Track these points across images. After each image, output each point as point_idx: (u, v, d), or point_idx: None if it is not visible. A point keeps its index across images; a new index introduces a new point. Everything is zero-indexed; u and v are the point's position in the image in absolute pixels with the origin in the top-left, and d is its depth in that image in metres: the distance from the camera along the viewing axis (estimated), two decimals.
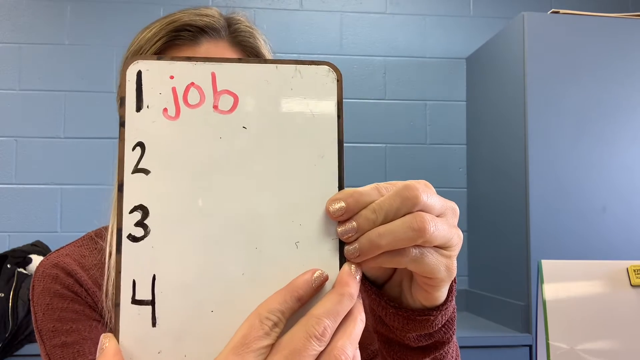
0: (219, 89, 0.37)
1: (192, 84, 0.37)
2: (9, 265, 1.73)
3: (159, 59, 0.37)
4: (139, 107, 0.37)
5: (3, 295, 1.62)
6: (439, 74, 2.32)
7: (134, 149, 0.36)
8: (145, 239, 0.36)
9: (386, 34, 2.31)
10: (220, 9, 0.69)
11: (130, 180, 0.36)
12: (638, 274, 1.74)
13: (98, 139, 2.15)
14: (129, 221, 0.36)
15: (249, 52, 0.67)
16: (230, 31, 0.66)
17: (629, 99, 1.83)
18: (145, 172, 0.36)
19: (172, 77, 0.37)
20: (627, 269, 1.74)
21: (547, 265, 1.73)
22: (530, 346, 1.73)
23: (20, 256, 1.80)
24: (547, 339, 1.68)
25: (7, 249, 1.88)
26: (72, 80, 2.16)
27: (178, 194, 0.36)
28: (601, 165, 1.80)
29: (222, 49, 0.64)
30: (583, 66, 1.82)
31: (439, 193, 0.40)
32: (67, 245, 0.74)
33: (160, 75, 0.37)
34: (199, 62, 0.37)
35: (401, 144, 2.26)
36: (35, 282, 0.69)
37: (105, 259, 0.69)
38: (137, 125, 0.37)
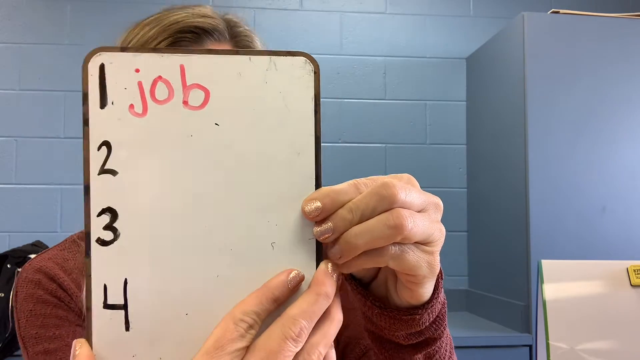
0: (188, 83, 0.35)
1: (160, 77, 0.35)
2: (9, 265, 1.73)
3: (122, 50, 0.35)
4: (103, 104, 0.35)
5: (3, 295, 1.62)
6: (439, 74, 2.32)
7: (99, 148, 0.35)
8: (114, 242, 0.34)
9: (386, 34, 2.31)
10: (217, 9, 0.69)
11: (97, 182, 0.35)
12: (638, 274, 1.74)
13: None
14: (97, 224, 0.34)
15: None
16: (231, 34, 0.65)
17: (629, 99, 1.83)
18: (113, 172, 0.35)
19: (137, 71, 0.35)
20: (627, 269, 1.74)
21: (547, 265, 1.73)
22: (530, 346, 1.73)
23: (20, 256, 1.80)
24: (547, 339, 1.68)
25: (7, 249, 1.88)
26: (72, 80, 2.16)
27: (148, 195, 0.35)
28: (601, 165, 1.80)
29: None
30: (583, 66, 1.82)
31: (438, 193, 0.40)
32: (49, 249, 0.73)
33: (125, 69, 0.35)
34: (166, 54, 0.35)
35: (401, 144, 2.26)
36: (18, 288, 0.68)
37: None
38: (101, 124, 0.35)
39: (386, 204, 0.35)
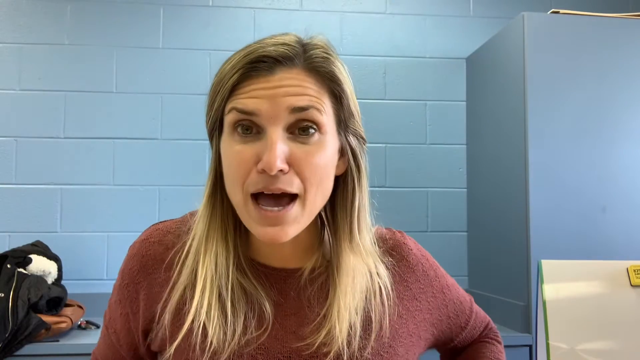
0: None
1: None
2: (9, 265, 1.73)
3: None
4: None
5: (3, 295, 1.62)
6: (439, 74, 2.32)
7: None
8: None
9: (386, 34, 2.31)
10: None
11: None
12: (638, 274, 1.74)
13: (98, 139, 2.15)
14: None
15: (325, 77, 0.66)
16: (305, 58, 0.66)
17: (628, 99, 1.83)
18: None
19: None
20: (627, 269, 1.74)
21: (547, 265, 1.73)
22: (530, 346, 1.73)
23: (20, 256, 1.80)
24: (547, 339, 1.68)
25: (7, 249, 1.88)
26: (72, 80, 2.16)
27: None
28: (601, 165, 1.80)
29: (295, 74, 0.64)
30: (583, 66, 1.82)
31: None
32: (168, 220, 0.78)
33: None
34: None
35: (401, 144, 2.26)
36: (132, 246, 0.76)
37: (181, 254, 0.71)
38: None
39: None
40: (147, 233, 0.76)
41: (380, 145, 2.23)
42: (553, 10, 1.87)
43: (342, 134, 0.69)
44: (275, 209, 0.62)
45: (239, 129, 0.63)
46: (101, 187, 2.14)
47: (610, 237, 1.78)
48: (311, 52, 0.66)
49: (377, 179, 2.22)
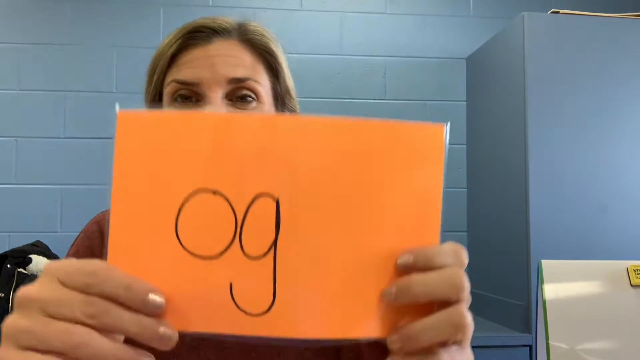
0: None
1: None
2: (9, 265, 1.73)
3: None
4: None
5: (3, 295, 1.62)
6: (439, 74, 2.32)
7: None
8: None
9: (386, 34, 2.31)
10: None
11: None
12: (638, 274, 1.74)
13: (98, 139, 2.15)
14: None
15: (259, 49, 0.69)
16: (240, 32, 0.69)
17: (629, 99, 1.83)
18: None
19: None
20: (627, 269, 1.74)
21: (547, 265, 1.73)
22: (530, 346, 1.73)
23: (20, 256, 1.80)
24: (547, 339, 1.68)
25: (7, 249, 1.88)
26: (72, 80, 2.16)
27: None
28: (601, 165, 1.80)
29: (232, 45, 0.67)
30: (583, 66, 1.82)
31: None
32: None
33: None
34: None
35: None
36: (82, 231, 0.72)
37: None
38: None
39: (454, 294, 0.38)
40: (103, 215, 0.72)
41: None
42: (553, 10, 1.87)
43: (280, 110, 0.70)
44: None
45: (179, 99, 0.65)
46: (101, 187, 2.13)
47: (610, 237, 1.78)
48: (247, 27, 0.69)
49: None
